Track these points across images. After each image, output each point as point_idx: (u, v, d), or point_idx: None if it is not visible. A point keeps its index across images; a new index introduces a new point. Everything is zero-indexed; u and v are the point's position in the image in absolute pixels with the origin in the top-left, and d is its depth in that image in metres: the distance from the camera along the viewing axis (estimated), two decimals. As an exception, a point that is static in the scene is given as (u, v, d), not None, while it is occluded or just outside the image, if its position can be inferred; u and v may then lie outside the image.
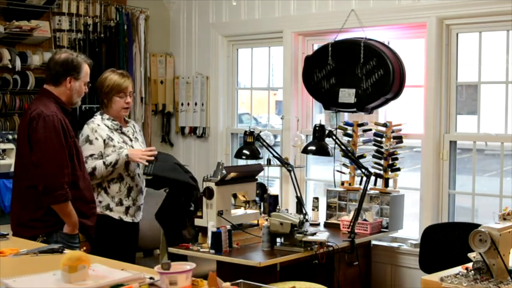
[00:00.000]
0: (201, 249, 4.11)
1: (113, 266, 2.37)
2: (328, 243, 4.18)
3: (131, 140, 4.31)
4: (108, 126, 4.24)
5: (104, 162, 4.09)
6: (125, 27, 5.92)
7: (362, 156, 5.01)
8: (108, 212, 4.17)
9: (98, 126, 4.21)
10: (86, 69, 3.73)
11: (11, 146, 4.93)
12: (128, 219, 4.25)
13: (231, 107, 6.16)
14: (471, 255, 3.09)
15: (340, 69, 5.04)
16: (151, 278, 2.15)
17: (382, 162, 4.94)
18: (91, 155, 4.09)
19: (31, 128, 3.50)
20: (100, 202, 4.14)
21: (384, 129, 4.95)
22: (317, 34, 5.50)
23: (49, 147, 3.47)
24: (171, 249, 4.21)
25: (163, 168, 4.23)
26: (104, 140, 4.17)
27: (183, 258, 4.16)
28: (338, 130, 5.08)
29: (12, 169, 4.08)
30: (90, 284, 2.11)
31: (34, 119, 3.50)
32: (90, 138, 4.16)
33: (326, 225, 5.00)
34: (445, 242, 4.47)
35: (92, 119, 4.30)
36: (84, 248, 3.95)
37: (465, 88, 5.44)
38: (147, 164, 4.16)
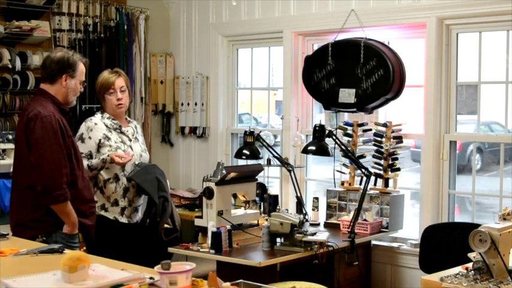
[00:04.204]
0: (201, 249, 4.11)
1: (112, 266, 2.37)
2: (328, 243, 4.18)
3: (130, 140, 4.30)
4: (106, 125, 4.23)
5: (89, 166, 4.08)
6: (125, 27, 5.92)
7: (362, 156, 5.02)
8: (103, 212, 4.15)
9: (96, 125, 4.20)
10: (81, 68, 3.72)
11: (11, 146, 4.93)
12: (123, 220, 4.23)
13: (231, 107, 6.16)
14: (471, 255, 3.09)
15: (340, 69, 5.04)
16: (151, 278, 2.15)
17: (382, 162, 4.94)
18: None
19: (29, 128, 3.50)
20: (96, 202, 4.12)
21: (384, 129, 4.95)
22: (317, 34, 5.50)
23: (47, 148, 3.47)
24: (171, 249, 4.21)
25: (143, 178, 4.22)
26: (100, 140, 4.17)
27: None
28: (338, 130, 5.08)
29: (12, 169, 4.08)
30: (90, 284, 2.11)
31: (32, 120, 3.50)
32: (83, 137, 4.16)
33: (326, 225, 5.00)
34: (445, 242, 4.47)
35: (91, 117, 4.30)
36: (84, 248, 3.96)
37: (465, 88, 5.44)
38: (122, 163, 4.11)
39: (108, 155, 4.09)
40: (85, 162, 4.05)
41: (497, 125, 4.76)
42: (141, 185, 4.21)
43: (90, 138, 4.16)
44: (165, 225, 4.41)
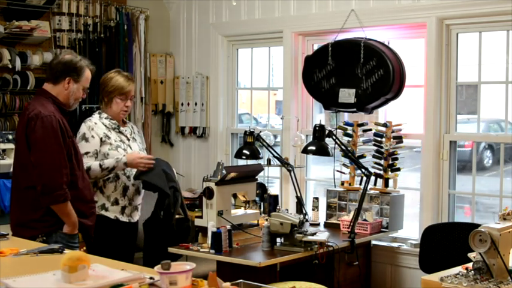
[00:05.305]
0: (201, 249, 4.11)
1: (112, 266, 2.37)
2: (328, 243, 4.18)
3: (128, 140, 4.31)
4: (105, 125, 4.23)
5: (101, 165, 4.07)
6: (125, 27, 5.92)
7: (362, 156, 5.02)
8: (103, 212, 4.15)
9: (95, 124, 4.21)
10: (87, 74, 3.73)
11: (11, 146, 4.93)
12: (124, 219, 4.24)
13: (231, 107, 6.16)
14: (471, 255, 3.09)
15: (340, 69, 5.04)
16: (151, 278, 2.15)
17: (382, 162, 4.94)
18: (86, 153, 4.09)
19: (29, 128, 3.50)
20: (95, 202, 4.12)
21: (384, 129, 4.95)
22: (317, 34, 5.50)
23: (47, 148, 3.47)
24: (171, 249, 4.20)
25: (151, 174, 4.22)
26: (101, 138, 4.18)
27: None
28: (338, 130, 5.08)
29: (12, 169, 4.08)
30: (90, 284, 2.11)
31: (32, 120, 3.50)
32: (87, 136, 4.16)
33: (326, 225, 5.00)
34: (445, 242, 4.47)
35: (89, 118, 4.30)
36: (84, 248, 3.96)
37: (465, 88, 5.44)
38: (146, 169, 4.16)
39: (124, 155, 4.11)
40: (96, 163, 4.06)
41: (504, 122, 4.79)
42: (150, 182, 4.22)
43: (93, 136, 4.16)
44: (176, 216, 4.40)
